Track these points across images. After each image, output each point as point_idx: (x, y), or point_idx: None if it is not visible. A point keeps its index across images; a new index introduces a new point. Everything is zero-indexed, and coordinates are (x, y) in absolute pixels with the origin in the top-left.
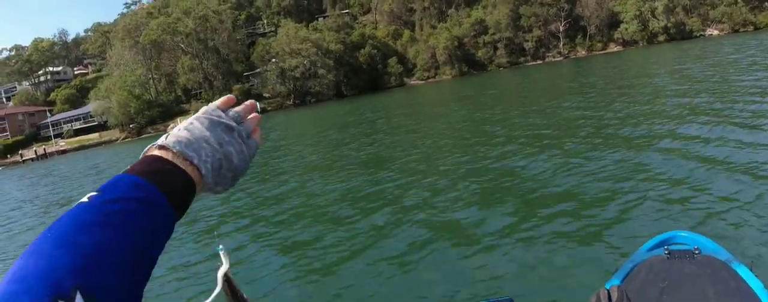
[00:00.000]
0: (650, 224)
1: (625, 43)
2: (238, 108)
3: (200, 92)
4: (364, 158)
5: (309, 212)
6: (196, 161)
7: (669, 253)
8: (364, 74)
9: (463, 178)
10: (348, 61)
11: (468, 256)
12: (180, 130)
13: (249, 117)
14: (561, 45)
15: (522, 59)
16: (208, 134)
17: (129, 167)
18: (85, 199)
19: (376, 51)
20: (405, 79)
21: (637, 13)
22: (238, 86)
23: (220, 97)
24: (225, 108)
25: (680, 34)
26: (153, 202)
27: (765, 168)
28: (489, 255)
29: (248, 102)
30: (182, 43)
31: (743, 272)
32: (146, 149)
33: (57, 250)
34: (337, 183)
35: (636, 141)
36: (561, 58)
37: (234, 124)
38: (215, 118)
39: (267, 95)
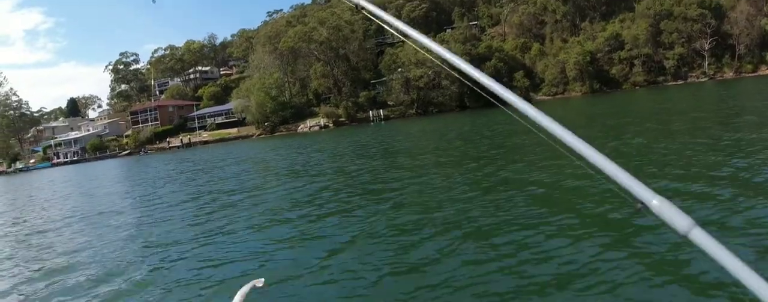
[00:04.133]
0: None
1: None
2: None
3: (329, 97)
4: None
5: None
6: None
7: None
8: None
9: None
10: None
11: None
12: None
13: None
14: (706, 64)
15: (661, 78)
16: None
17: None
18: None
19: (502, 64)
20: (531, 94)
21: None
22: (364, 93)
23: (347, 102)
24: None
25: None
26: None
27: None
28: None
29: None
30: (316, 51)
31: None
32: None
33: None
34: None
35: None
36: (705, 78)
37: None
38: None
39: (391, 103)
